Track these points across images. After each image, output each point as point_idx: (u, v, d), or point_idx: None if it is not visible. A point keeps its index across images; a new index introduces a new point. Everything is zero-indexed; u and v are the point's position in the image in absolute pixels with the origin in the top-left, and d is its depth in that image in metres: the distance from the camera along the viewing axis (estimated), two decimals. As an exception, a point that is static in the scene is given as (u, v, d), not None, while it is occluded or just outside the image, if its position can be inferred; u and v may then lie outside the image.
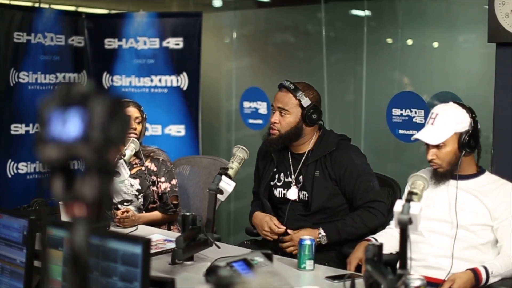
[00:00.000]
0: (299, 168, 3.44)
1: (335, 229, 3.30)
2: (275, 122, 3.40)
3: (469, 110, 2.98)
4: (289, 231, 3.34)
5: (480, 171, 3.04)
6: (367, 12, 5.16)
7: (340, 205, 3.40)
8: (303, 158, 3.44)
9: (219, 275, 1.35)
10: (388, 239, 3.03)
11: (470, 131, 2.93)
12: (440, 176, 3.00)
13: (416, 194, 2.52)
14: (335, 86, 5.21)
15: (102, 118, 1.03)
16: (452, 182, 3.00)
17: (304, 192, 3.41)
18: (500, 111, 3.66)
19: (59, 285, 2.19)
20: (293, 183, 3.45)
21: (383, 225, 3.33)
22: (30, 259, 2.29)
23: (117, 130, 1.05)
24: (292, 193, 3.44)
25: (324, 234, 3.28)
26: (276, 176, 3.51)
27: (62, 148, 1.03)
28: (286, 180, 3.49)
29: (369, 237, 3.14)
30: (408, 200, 2.46)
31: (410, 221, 2.39)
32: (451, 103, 3.01)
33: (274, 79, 5.36)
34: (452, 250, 2.92)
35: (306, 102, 3.37)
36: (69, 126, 1.03)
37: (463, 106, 2.99)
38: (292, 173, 3.46)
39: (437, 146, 2.95)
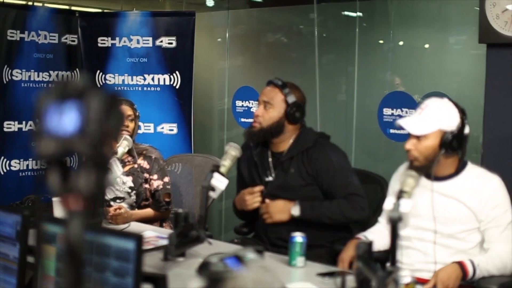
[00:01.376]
0: (276, 165, 3.46)
1: (310, 205, 3.31)
2: (258, 115, 3.43)
3: (461, 112, 2.89)
4: (266, 201, 3.39)
5: (460, 167, 2.94)
6: (359, 13, 5.19)
7: (318, 197, 3.42)
8: (280, 156, 3.46)
9: (211, 270, 1.37)
10: (378, 236, 3.04)
11: (456, 132, 2.83)
12: (416, 169, 2.83)
13: (406, 192, 2.55)
14: (327, 86, 5.23)
15: (99, 113, 1.05)
16: (433, 186, 2.93)
17: (282, 188, 3.42)
18: (490, 111, 3.69)
19: (52, 281, 2.20)
20: (272, 179, 3.47)
21: (361, 220, 3.32)
22: (23, 254, 2.31)
23: (113, 124, 1.07)
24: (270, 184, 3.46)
25: (298, 206, 3.31)
26: (259, 177, 3.52)
27: (59, 142, 1.05)
28: (266, 179, 3.50)
29: (359, 235, 3.16)
30: (399, 198, 2.48)
31: (400, 219, 2.42)
32: (445, 99, 2.92)
33: (267, 79, 5.36)
34: (435, 258, 2.89)
35: (291, 99, 3.40)
36: (66, 120, 1.05)
37: (456, 105, 2.90)
38: (272, 172, 3.48)
39: (418, 138, 2.86)
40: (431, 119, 2.86)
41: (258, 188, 3.44)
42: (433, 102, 2.91)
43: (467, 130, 2.89)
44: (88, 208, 1.07)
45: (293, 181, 3.40)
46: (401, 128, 2.92)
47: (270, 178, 3.48)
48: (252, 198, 3.43)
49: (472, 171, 2.94)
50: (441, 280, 2.68)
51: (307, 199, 3.37)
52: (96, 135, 1.05)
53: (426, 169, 2.87)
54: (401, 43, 5.04)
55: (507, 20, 3.55)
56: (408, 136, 2.90)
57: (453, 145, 2.82)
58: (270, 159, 3.49)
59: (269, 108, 3.41)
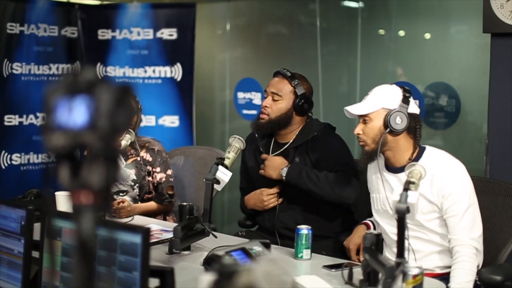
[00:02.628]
0: (278, 152, 3.45)
1: (298, 170, 3.29)
2: (266, 106, 3.41)
3: (405, 91, 2.91)
4: (264, 155, 3.42)
5: (418, 155, 2.91)
6: (361, 4, 5.16)
7: None
8: (286, 146, 3.45)
9: (222, 264, 1.35)
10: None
11: (398, 110, 2.85)
12: (366, 155, 2.94)
13: (413, 183, 2.53)
14: (329, 78, 5.21)
15: (109, 105, 1.03)
16: (393, 179, 2.93)
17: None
18: (495, 101, 3.66)
19: (58, 275, 2.19)
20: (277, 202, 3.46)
21: (348, 200, 3.27)
22: (28, 249, 2.29)
23: (123, 117, 1.05)
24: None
25: (286, 169, 3.31)
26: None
27: (69, 136, 1.03)
28: None
29: (366, 221, 3.15)
30: (406, 189, 2.47)
31: (408, 210, 2.41)
32: (393, 85, 2.96)
33: (269, 70, 5.33)
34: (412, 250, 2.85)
35: (300, 90, 3.39)
36: (76, 113, 1.03)
37: (402, 88, 2.92)
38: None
39: (365, 122, 2.91)
40: (374, 100, 2.92)
41: (275, 189, 3.42)
42: (378, 87, 2.97)
43: (414, 109, 2.90)
44: (99, 202, 1.06)
45: None
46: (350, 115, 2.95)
47: None
48: (270, 199, 3.42)
49: (430, 158, 2.90)
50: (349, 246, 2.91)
51: (306, 196, 3.35)
52: (106, 129, 1.03)
53: (375, 151, 2.89)
54: (403, 33, 5.01)
55: (511, 10, 3.53)
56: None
57: (397, 122, 2.84)
58: (271, 148, 3.47)
59: (278, 100, 3.40)
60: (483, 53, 4.14)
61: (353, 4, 5.28)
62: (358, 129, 2.93)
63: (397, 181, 2.93)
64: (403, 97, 2.88)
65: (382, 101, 2.90)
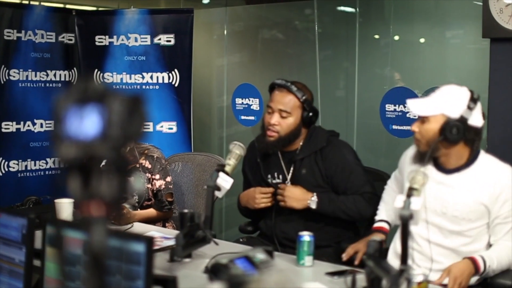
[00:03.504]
0: (292, 167, 3.41)
1: (328, 198, 3.28)
2: (274, 124, 3.33)
3: (473, 100, 2.76)
4: (282, 186, 3.35)
5: (472, 159, 2.83)
6: (358, 9, 5.16)
7: None
8: (292, 156, 3.41)
9: (231, 273, 1.34)
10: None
11: (458, 120, 2.73)
12: (420, 154, 2.85)
13: (416, 189, 2.52)
14: (327, 83, 5.21)
15: (121, 115, 1.02)
16: (443, 180, 2.86)
17: None
18: (494, 106, 3.66)
19: (59, 284, 2.17)
20: (288, 181, 3.42)
21: (372, 216, 3.28)
22: (30, 258, 2.27)
23: (135, 127, 1.04)
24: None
25: (316, 199, 3.27)
26: (269, 176, 3.48)
27: (80, 146, 1.02)
28: (277, 180, 3.45)
29: (382, 225, 3.13)
30: (409, 196, 2.46)
31: (411, 217, 2.40)
32: (464, 88, 2.81)
33: (267, 76, 5.35)
34: (445, 264, 2.82)
35: (308, 104, 3.34)
36: (87, 123, 1.02)
37: (472, 94, 2.79)
38: (285, 172, 3.44)
39: (423, 121, 2.80)
40: (436, 102, 2.79)
41: (270, 190, 3.40)
42: (446, 87, 2.83)
43: (476, 121, 2.78)
44: (110, 213, 1.04)
45: (304, 182, 3.36)
46: (403, 124, 2.90)
47: (278, 180, 3.44)
48: (261, 197, 3.39)
49: (483, 162, 2.84)
50: (454, 275, 2.64)
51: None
52: (118, 139, 1.02)
53: (427, 156, 2.79)
54: (401, 38, 5.01)
55: (511, 14, 3.53)
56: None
57: (453, 133, 2.72)
58: (281, 160, 3.44)
59: (286, 116, 3.33)
60: (481, 58, 4.14)
61: (351, 9, 5.28)
62: (415, 126, 2.83)
63: (447, 181, 2.85)
64: (467, 107, 2.74)
65: (444, 105, 2.76)
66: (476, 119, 2.78)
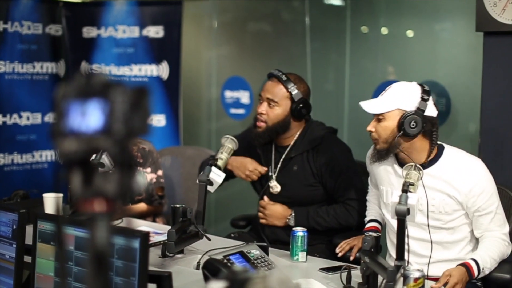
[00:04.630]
0: (280, 162, 3.37)
1: (306, 215, 3.24)
2: (262, 113, 3.30)
3: (425, 93, 2.77)
4: (265, 199, 3.30)
5: (437, 154, 2.82)
6: (349, 1, 5.13)
7: (320, 199, 3.34)
8: (286, 152, 3.38)
9: (233, 271, 1.30)
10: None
11: (413, 113, 2.72)
12: (378, 153, 2.84)
13: (412, 184, 2.49)
14: (318, 76, 5.17)
15: (124, 109, 0.98)
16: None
17: (283, 186, 3.35)
18: (487, 100, 3.64)
19: (51, 281, 2.13)
20: (274, 177, 3.38)
21: (356, 223, 3.26)
22: (20, 254, 2.23)
23: (139, 121, 1.00)
24: (274, 187, 3.38)
25: (293, 219, 3.24)
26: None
27: (82, 141, 0.98)
28: (269, 173, 3.42)
29: (375, 225, 3.10)
30: (405, 191, 2.43)
31: (408, 212, 2.37)
32: (413, 83, 2.82)
33: (256, 68, 5.31)
34: (431, 257, 2.84)
35: (297, 95, 3.27)
36: (89, 117, 0.98)
37: (422, 87, 2.79)
38: (273, 167, 3.40)
39: (379, 120, 2.79)
40: (390, 99, 2.79)
41: (263, 170, 3.36)
42: (397, 84, 2.84)
43: (431, 112, 2.78)
44: (113, 210, 1.01)
45: (295, 180, 3.32)
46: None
47: (271, 173, 3.40)
48: (254, 173, 3.36)
49: (450, 157, 2.83)
50: (456, 280, 2.60)
51: (306, 200, 3.30)
52: (121, 133, 0.98)
53: (387, 151, 2.81)
54: (391, 31, 4.98)
55: (504, 8, 3.51)
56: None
57: (411, 126, 2.72)
58: (273, 154, 3.40)
59: (274, 106, 3.28)
60: (473, 52, 4.12)
61: (342, 2, 5.25)
62: (371, 127, 2.83)
63: None
64: (421, 99, 2.75)
65: (398, 101, 2.76)
66: (431, 109, 2.79)
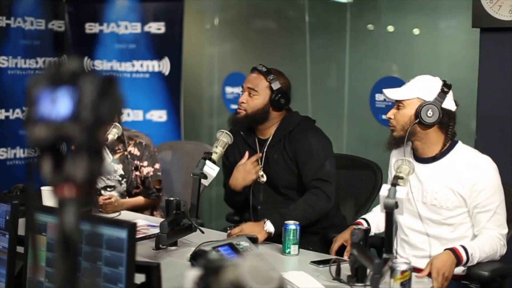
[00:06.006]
0: (264, 152, 3.42)
1: (280, 215, 3.11)
2: (242, 102, 3.38)
3: (446, 86, 2.86)
4: (234, 230, 3.13)
5: (449, 147, 2.89)
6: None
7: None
8: (267, 143, 3.42)
9: (208, 259, 1.33)
10: (379, 217, 2.99)
11: (431, 103, 2.81)
12: (394, 140, 2.92)
13: (402, 178, 2.52)
14: (318, 72, 5.19)
15: (93, 97, 1.00)
16: (421, 170, 2.89)
17: (268, 175, 3.39)
18: (483, 96, 3.66)
19: (42, 271, 2.16)
20: (260, 168, 3.42)
21: (328, 208, 3.24)
22: (13, 244, 2.26)
23: (108, 109, 1.02)
24: (260, 177, 3.41)
25: (270, 224, 3.09)
26: None
27: (51, 128, 1.00)
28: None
29: (359, 220, 3.11)
30: (394, 184, 2.45)
31: (396, 205, 2.39)
32: (436, 77, 2.91)
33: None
34: (430, 252, 2.88)
35: (276, 85, 3.35)
36: (59, 105, 1.00)
37: (444, 81, 2.88)
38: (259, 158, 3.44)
39: (398, 108, 2.88)
40: (411, 88, 2.89)
41: (256, 157, 3.39)
42: (420, 76, 2.94)
43: (450, 105, 2.85)
44: (82, 196, 1.03)
45: (277, 167, 3.36)
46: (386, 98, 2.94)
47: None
48: (255, 168, 3.38)
49: (460, 152, 2.88)
50: (436, 268, 2.64)
51: (292, 186, 3.33)
52: (90, 120, 1.00)
53: (403, 140, 2.86)
54: (392, 28, 4.99)
55: (500, 4, 3.52)
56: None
57: (428, 116, 2.80)
58: (257, 146, 3.44)
59: (254, 95, 3.37)
60: (472, 48, 4.13)
61: (342, -1, 5.26)
62: (390, 114, 2.91)
63: (425, 171, 2.89)
64: (440, 91, 2.83)
65: (419, 90, 2.85)
66: (450, 103, 2.87)
